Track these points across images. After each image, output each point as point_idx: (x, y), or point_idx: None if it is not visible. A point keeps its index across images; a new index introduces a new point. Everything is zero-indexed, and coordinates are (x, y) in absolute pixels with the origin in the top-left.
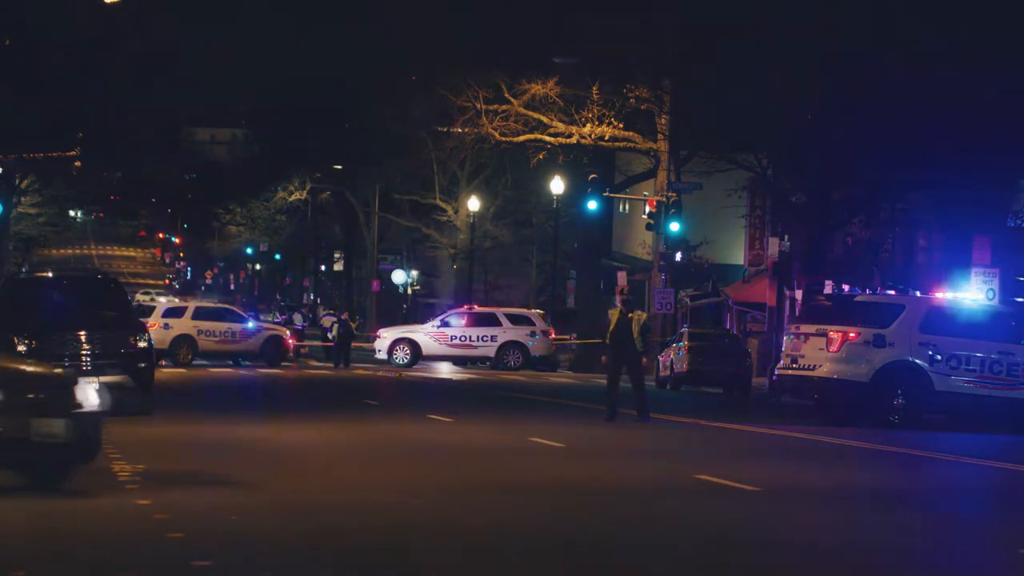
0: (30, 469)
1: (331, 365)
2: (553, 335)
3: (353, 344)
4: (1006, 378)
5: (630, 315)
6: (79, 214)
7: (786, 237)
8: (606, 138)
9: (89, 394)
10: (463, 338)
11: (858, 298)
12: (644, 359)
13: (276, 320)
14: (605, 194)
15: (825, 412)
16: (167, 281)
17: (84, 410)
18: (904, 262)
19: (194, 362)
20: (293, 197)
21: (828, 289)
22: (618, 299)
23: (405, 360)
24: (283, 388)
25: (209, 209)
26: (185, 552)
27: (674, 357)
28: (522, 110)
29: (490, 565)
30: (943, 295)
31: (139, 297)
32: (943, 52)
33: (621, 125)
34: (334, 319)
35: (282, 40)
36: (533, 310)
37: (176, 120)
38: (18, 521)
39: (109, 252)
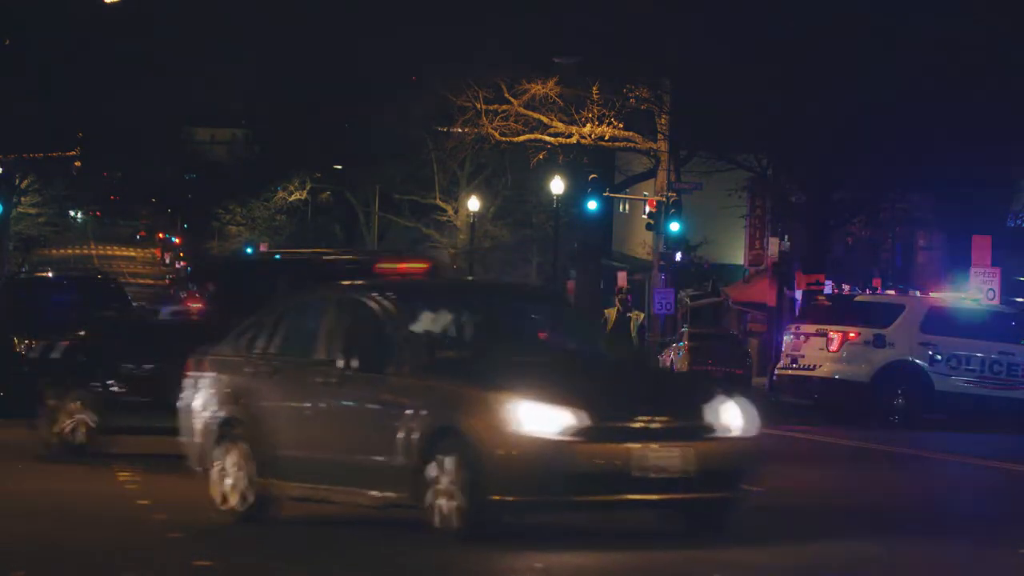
0: (687, 513)
1: None
2: None
3: None
4: (1006, 378)
5: (628, 315)
6: (79, 214)
7: (786, 237)
8: (606, 138)
9: (729, 413)
10: None
11: (858, 298)
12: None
13: None
14: (605, 194)
15: (825, 412)
16: (167, 281)
17: (717, 435)
18: (904, 262)
19: None
20: (293, 197)
21: (828, 289)
22: (616, 299)
23: None
24: None
25: (209, 209)
26: (185, 552)
27: (674, 357)
28: (522, 110)
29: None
30: (943, 295)
31: None
32: (943, 51)
33: (621, 125)
34: None
35: (282, 40)
36: None
37: (176, 120)
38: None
39: (109, 252)
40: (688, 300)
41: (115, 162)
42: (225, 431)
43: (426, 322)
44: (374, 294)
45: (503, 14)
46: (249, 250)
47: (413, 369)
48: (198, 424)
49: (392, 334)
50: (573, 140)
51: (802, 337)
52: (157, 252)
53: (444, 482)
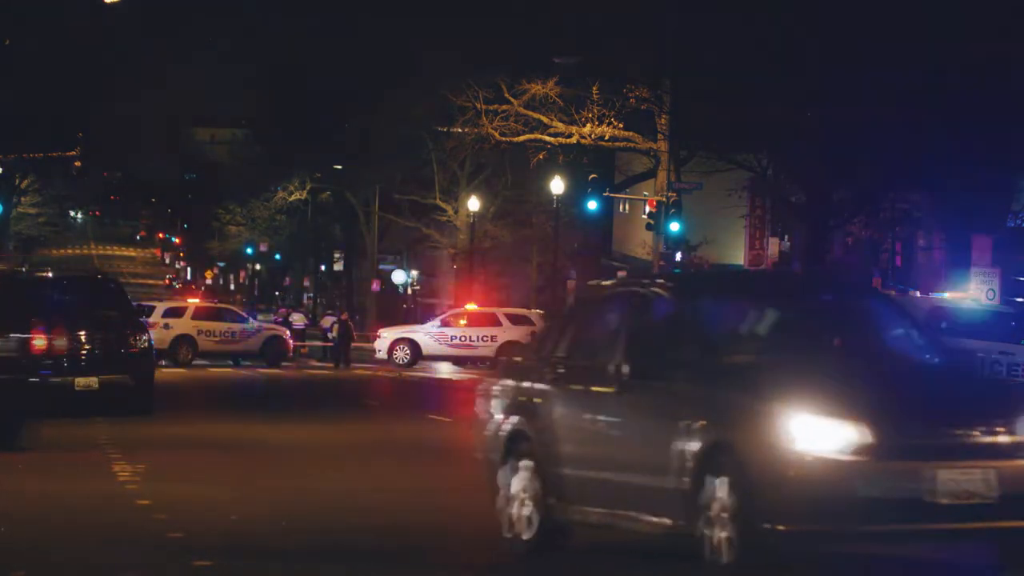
0: (995, 544)
1: (331, 365)
2: None
3: (353, 344)
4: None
5: None
6: (79, 214)
7: (786, 237)
8: (606, 138)
9: None
10: (463, 338)
11: None
12: None
13: (275, 320)
14: (605, 194)
15: None
16: (167, 281)
17: None
18: (904, 262)
19: (194, 362)
20: (293, 197)
21: None
22: None
23: (405, 360)
24: (283, 388)
25: (209, 209)
26: (185, 552)
27: None
28: (522, 110)
29: (485, 567)
30: (942, 295)
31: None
32: (943, 52)
33: (621, 125)
34: (334, 319)
35: (282, 39)
36: (533, 310)
37: (176, 120)
38: None
39: (109, 252)
40: None
41: (115, 162)
42: (512, 446)
43: (713, 319)
44: (652, 287)
45: (503, 14)
46: (249, 250)
47: (689, 375)
48: (488, 437)
49: (669, 334)
50: (573, 140)
51: None
52: (157, 252)
53: (715, 507)
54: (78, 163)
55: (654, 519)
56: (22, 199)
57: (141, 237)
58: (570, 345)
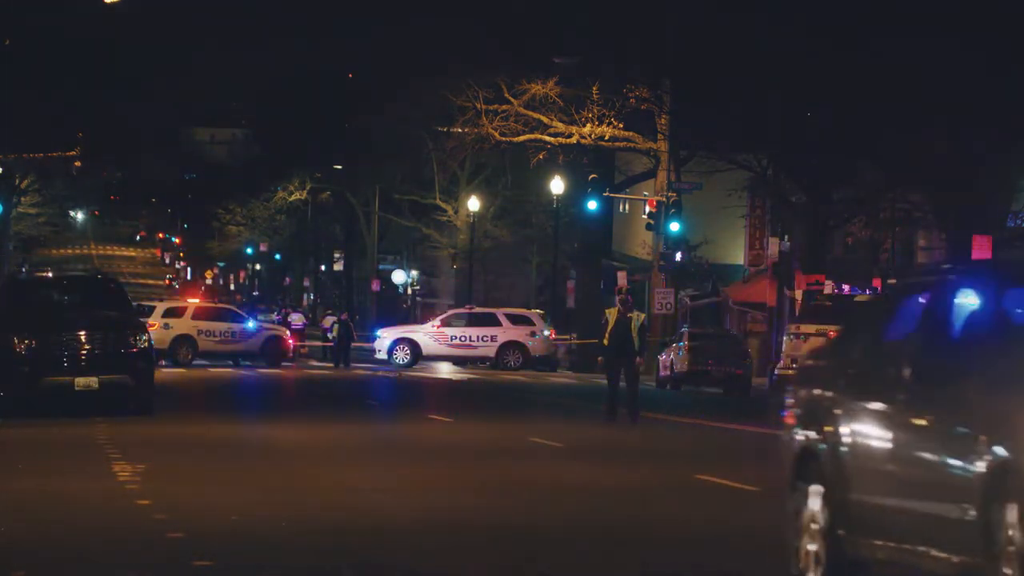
0: None
1: (331, 365)
2: (553, 335)
3: (353, 344)
4: None
5: (629, 315)
6: (79, 214)
7: (786, 237)
8: (606, 138)
9: None
10: (463, 338)
11: (858, 298)
12: (640, 359)
13: (276, 319)
14: (605, 194)
15: None
16: (167, 281)
17: None
18: (904, 262)
19: (194, 362)
20: (293, 197)
21: (828, 289)
22: (617, 299)
23: (405, 360)
24: (283, 388)
25: (209, 209)
26: (185, 552)
27: (674, 357)
28: (522, 110)
29: (488, 567)
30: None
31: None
32: (943, 52)
33: (621, 125)
34: (334, 319)
35: (283, 40)
36: (533, 310)
37: (176, 120)
38: None
39: (109, 252)
40: (688, 300)
41: (115, 162)
42: (801, 467)
43: (1016, 314)
44: (949, 276)
45: (503, 14)
46: (249, 250)
47: (981, 381)
48: (784, 452)
49: (965, 331)
50: (573, 140)
51: (802, 337)
52: (157, 252)
53: (1002, 541)
54: (78, 163)
55: (941, 555)
56: (22, 199)
57: (141, 237)
58: (864, 346)
